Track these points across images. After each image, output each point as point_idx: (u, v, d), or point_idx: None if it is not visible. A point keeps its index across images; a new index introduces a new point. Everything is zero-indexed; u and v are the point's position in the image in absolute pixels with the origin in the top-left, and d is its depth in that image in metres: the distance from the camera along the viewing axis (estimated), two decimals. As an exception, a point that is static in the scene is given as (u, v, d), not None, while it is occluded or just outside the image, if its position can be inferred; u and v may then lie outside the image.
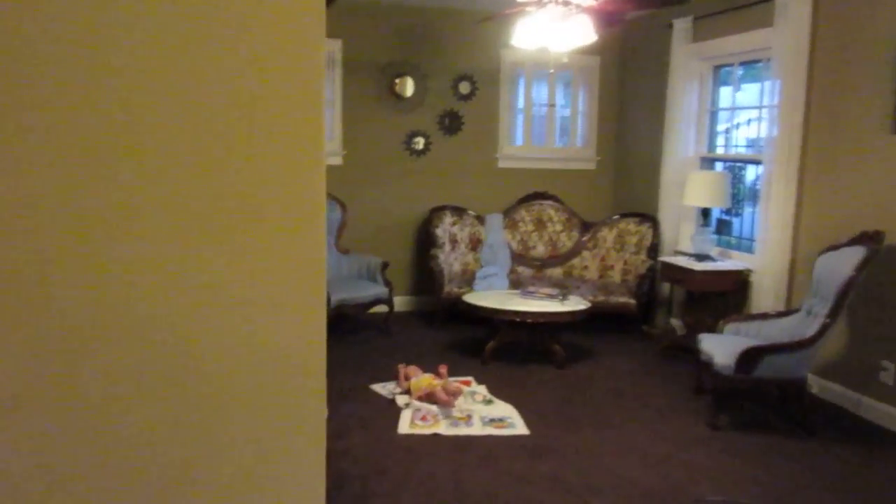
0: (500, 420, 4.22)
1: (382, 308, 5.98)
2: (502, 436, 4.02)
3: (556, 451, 3.85)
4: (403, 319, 6.46)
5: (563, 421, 4.27)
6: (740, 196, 6.08)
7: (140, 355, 1.21)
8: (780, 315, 4.57)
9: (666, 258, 5.81)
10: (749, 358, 4.04)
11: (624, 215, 6.58)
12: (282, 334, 1.30)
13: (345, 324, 6.16)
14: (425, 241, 6.62)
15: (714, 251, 5.63)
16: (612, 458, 3.78)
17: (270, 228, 1.26)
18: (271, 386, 1.31)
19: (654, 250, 6.21)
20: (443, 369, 4.70)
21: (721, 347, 4.27)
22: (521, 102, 7.10)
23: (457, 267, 6.50)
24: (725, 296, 5.46)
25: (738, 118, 6.03)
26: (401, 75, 6.66)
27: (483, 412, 4.32)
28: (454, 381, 4.75)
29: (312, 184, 1.27)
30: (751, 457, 3.84)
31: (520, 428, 4.12)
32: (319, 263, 1.29)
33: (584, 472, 3.62)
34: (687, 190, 5.62)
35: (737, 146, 6.01)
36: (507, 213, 6.81)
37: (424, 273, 6.67)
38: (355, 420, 4.20)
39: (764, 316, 4.64)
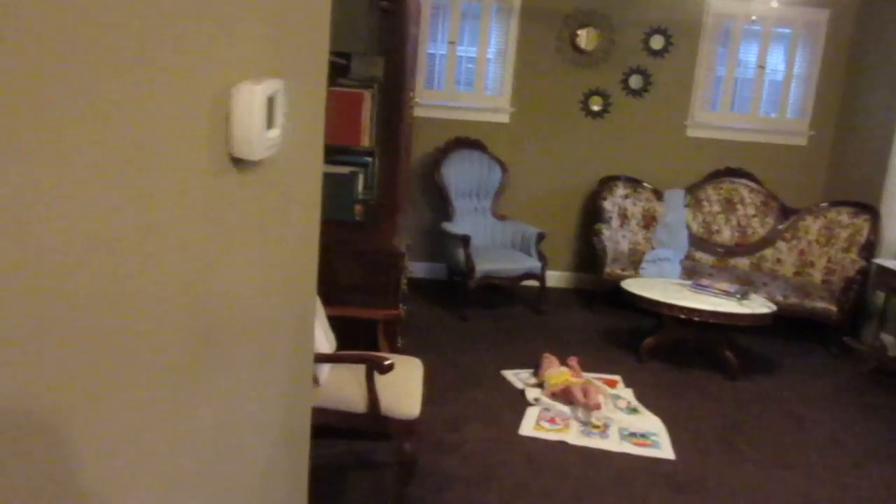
0: (643, 436, 3.56)
1: (535, 283, 5.43)
2: (641, 456, 3.37)
3: (703, 488, 3.14)
4: (559, 297, 5.87)
5: (722, 449, 3.52)
6: None
7: None
8: None
9: (884, 261, 4.70)
10: None
11: (836, 203, 5.45)
12: None
13: (491, 297, 5.70)
14: (591, 214, 5.94)
15: (954, 259, 4.45)
16: (778, 510, 3.01)
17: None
18: None
19: (869, 249, 5.08)
20: (572, 361, 4.10)
21: (949, 388, 3.28)
22: (723, 62, 6.10)
23: (624, 246, 5.77)
24: (963, 317, 4.31)
25: None
26: (584, 26, 5.94)
27: (624, 422, 3.68)
28: (597, 379, 4.14)
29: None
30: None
31: (665, 450, 3.44)
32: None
33: (737, 522, 2.90)
34: (926, 179, 4.47)
35: None
36: (692, 189, 5.92)
37: (587, 249, 6.01)
38: (477, 410, 3.74)
39: None
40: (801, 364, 4.77)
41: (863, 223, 5.15)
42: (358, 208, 3.19)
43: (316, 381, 2.63)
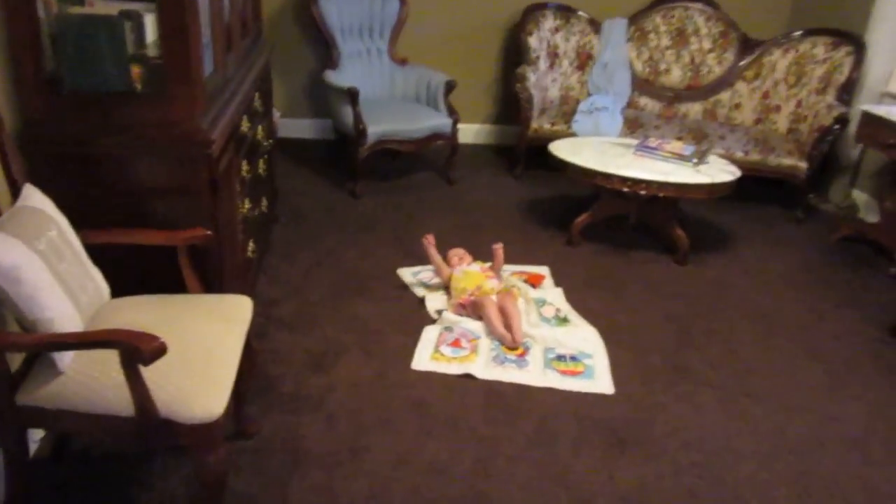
0: (573, 360, 2.73)
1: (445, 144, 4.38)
2: (570, 392, 2.56)
3: (650, 439, 2.36)
4: (474, 158, 4.86)
5: (673, 371, 2.73)
6: None
7: None
8: None
9: (870, 106, 3.79)
10: None
11: (810, 32, 4.43)
12: None
13: (387, 166, 4.62)
14: (514, 54, 4.81)
15: (954, 102, 3.58)
16: (746, 463, 2.26)
17: None
18: None
19: (848, 90, 4.16)
20: (498, 250, 3.17)
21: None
22: None
23: (554, 92, 4.71)
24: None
25: None
26: None
27: (550, 339, 2.82)
28: (519, 274, 3.26)
29: None
30: None
31: (600, 380, 2.63)
32: None
33: (693, 490, 2.14)
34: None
35: None
36: (635, 18, 4.79)
37: (508, 98, 4.93)
38: (357, 334, 2.83)
39: None
40: (761, 236, 3.98)
41: (843, 58, 4.18)
42: (136, 71, 2.04)
43: (55, 367, 1.64)
